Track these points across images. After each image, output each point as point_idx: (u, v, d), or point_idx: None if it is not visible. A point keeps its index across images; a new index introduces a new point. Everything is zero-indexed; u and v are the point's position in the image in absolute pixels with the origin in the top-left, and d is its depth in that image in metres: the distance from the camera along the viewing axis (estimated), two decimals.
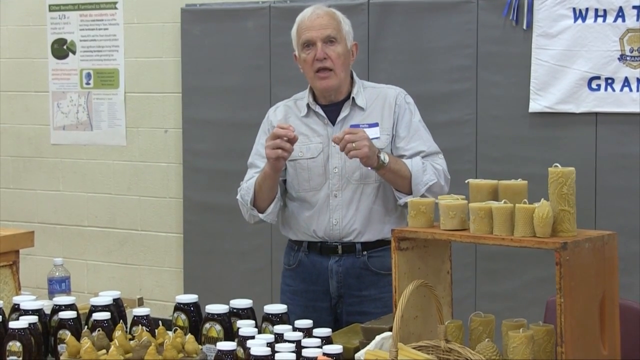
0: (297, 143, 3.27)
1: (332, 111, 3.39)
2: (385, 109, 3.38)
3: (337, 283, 3.39)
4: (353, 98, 3.37)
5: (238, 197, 3.49)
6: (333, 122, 3.38)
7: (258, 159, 3.47)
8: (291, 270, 3.50)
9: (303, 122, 3.40)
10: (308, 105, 3.41)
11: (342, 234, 3.37)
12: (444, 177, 3.34)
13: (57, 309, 2.99)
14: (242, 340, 2.68)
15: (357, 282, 3.38)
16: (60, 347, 2.89)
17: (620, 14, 4.80)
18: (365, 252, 3.37)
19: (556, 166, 2.46)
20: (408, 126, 3.37)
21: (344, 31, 3.35)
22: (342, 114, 3.37)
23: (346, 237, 3.37)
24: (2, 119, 6.66)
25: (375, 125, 3.35)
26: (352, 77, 3.43)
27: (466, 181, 2.76)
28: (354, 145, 3.12)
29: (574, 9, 4.88)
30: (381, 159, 3.20)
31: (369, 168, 3.25)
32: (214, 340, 2.84)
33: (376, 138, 3.31)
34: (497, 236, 2.48)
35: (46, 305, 3.05)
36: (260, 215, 3.43)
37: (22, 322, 2.83)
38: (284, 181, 3.46)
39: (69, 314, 2.94)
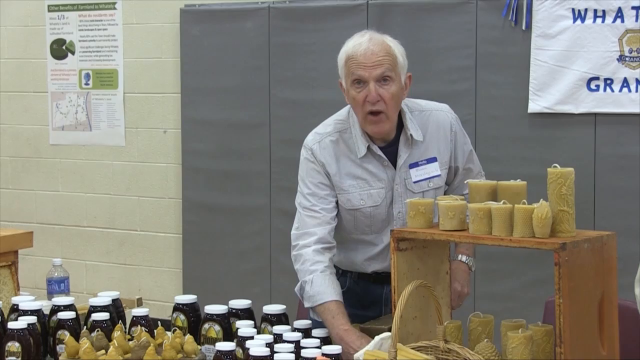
0: (356, 190, 3.06)
1: (388, 151, 3.07)
2: (441, 140, 3.11)
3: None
4: (411, 135, 3.05)
5: (297, 287, 3.04)
6: (390, 162, 3.07)
7: (312, 199, 3.08)
8: None
9: (358, 165, 3.06)
10: (368, 147, 3.04)
11: None
12: None
13: (56, 309, 2.99)
14: (241, 341, 2.68)
15: None
16: (59, 348, 2.89)
17: (619, 14, 4.80)
18: None
19: (555, 167, 2.46)
20: (464, 151, 3.17)
21: (399, 66, 2.99)
22: (403, 156, 3.05)
23: None
24: (1, 119, 6.66)
25: (434, 160, 3.09)
26: None
27: (465, 182, 2.76)
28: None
29: (573, 10, 4.88)
30: (472, 271, 3.19)
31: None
32: (212, 341, 2.84)
33: (437, 176, 3.09)
34: (496, 237, 2.48)
35: (45, 305, 3.05)
36: (313, 316, 3.09)
37: (21, 323, 2.83)
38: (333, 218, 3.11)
39: (68, 315, 2.94)
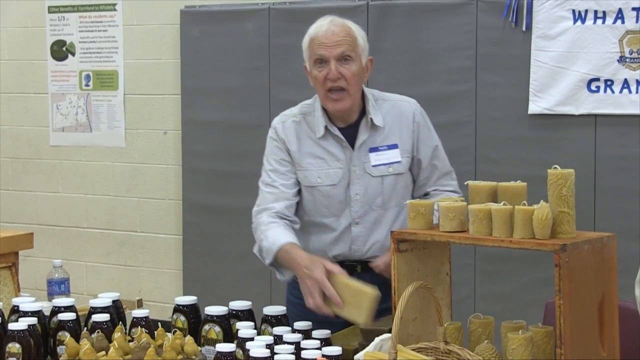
0: (314, 168, 3.14)
1: (348, 133, 3.15)
2: (403, 128, 3.17)
3: None
4: (371, 119, 3.13)
5: (255, 248, 3.15)
6: (350, 144, 3.15)
7: (273, 175, 3.19)
8: None
9: (318, 144, 3.16)
10: (326, 127, 3.14)
11: (363, 257, 3.18)
12: None
13: (56, 310, 2.98)
14: (241, 342, 2.68)
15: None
16: (60, 349, 2.89)
17: (620, 15, 4.80)
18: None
19: (555, 168, 2.46)
20: (428, 146, 3.21)
21: (359, 47, 3.09)
22: (361, 137, 3.13)
23: (365, 257, 3.18)
24: (2, 120, 6.66)
25: (395, 147, 3.16)
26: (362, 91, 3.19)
27: (465, 183, 2.76)
28: None
29: (574, 11, 4.89)
30: None
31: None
32: (213, 342, 2.84)
33: (397, 162, 3.15)
34: (497, 238, 2.48)
35: (45, 306, 3.04)
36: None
37: (22, 324, 2.83)
38: (297, 203, 3.20)
39: (68, 316, 2.94)
